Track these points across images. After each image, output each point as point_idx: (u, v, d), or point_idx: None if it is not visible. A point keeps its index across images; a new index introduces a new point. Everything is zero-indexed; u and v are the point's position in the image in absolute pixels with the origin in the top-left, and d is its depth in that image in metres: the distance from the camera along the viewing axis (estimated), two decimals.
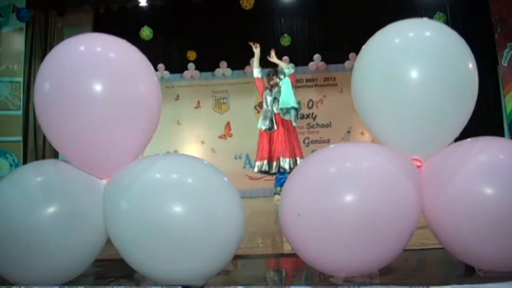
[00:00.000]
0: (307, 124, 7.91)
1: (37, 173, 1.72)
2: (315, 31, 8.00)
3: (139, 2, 7.04)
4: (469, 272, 1.66)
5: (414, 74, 1.66)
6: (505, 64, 6.55)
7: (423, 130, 1.69)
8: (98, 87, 1.65)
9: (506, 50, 6.52)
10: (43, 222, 1.62)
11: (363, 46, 1.81)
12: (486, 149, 1.63)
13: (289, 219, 1.66)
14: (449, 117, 1.69)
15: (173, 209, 1.60)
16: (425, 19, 1.79)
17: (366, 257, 1.59)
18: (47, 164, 1.78)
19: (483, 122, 5.83)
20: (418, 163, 1.71)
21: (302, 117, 7.79)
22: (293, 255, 2.15)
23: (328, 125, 7.92)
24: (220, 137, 8.09)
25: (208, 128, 8.08)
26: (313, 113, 7.96)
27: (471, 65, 1.68)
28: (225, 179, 1.73)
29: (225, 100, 8.24)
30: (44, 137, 6.57)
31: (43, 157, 6.53)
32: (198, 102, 8.21)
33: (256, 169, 5.93)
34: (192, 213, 1.61)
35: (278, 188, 5.78)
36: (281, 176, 5.81)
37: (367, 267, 1.63)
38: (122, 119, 1.70)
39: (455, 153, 1.67)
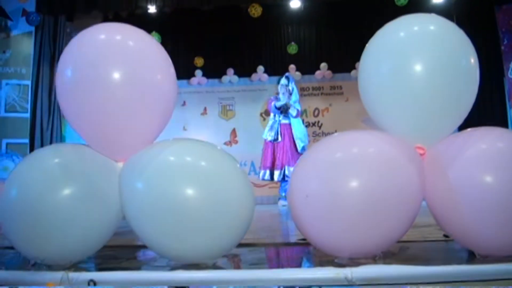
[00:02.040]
0: (313, 133, 7.97)
1: (56, 155, 1.80)
2: (321, 40, 8.09)
3: (148, 9, 7.15)
4: (470, 257, 1.71)
5: (418, 66, 1.75)
6: (511, 76, 6.61)
7: (426, 119, 1.77)
8: (117, 74, 1.74)
9: None
10: (63, 201, 1.69)
11: (370, 39, 1.89)
12: (485, 137, 1.70)
13: (297, 201, 1.74)
14: (451, 108, 1.77)
15: (187, 191, 1.68)
16: (430, 14, 1.86)
17: (370, 238, 1.66)
18: (66, 147, 1.86)
19: None
20: (421, 151, 1.78)
21: (308, 125, 7.88)
22: (296, 244, 2.23)
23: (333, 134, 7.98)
24: (225, 143, 8.14)
25: (214, 135, 8.12)
26: (319, 121, 8.03)
27: (473, 59, 1.77)
28: (237, 164, 1.80)
29: (231, 107, 8.31)
30: (51, 140, 6.66)
31: None
32: (205, 109, 8.29)
33: (260, 177, 6.13)
34: (205, 194, 1.68)
35: (283, 194, 5.90)
36: (285, 183, 5.92)
37: (370, 248, 1.69)
38: (139, 106, 1.78)
39: (456, 142, 1.74)
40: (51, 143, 6.57)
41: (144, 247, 2.05)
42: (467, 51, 1.76)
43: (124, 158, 1.82)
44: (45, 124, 6.65)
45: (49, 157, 1.79)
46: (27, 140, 6.47)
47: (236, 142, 8.19)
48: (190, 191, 1.68)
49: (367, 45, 1.90)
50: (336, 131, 7.80)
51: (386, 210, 1.63)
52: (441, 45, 1.74)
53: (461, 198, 1.64)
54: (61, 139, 6.80)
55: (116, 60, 1.76)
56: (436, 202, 1.73)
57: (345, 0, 7.13)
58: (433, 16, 1.85)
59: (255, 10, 7.16)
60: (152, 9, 7.12)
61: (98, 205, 1.75)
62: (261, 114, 8.08)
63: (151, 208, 1.69)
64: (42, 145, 6.64)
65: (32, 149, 6.56)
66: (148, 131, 1.86)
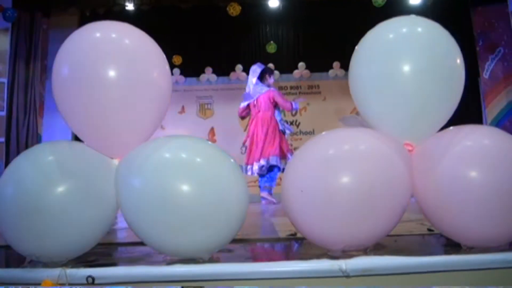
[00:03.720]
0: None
1: (52, 152, 1.80)
2: (300, 39, 8.17)
3: (126, 6, 7.11)
4: (456, 248, 1.80)
5: (407, 67, 1.82)
6: (487, 77, 6.81)
7: (414, 117, 1.85)
8: (113, 71, 1.76)
9: (488, 63, 6.79)
10: (59, 198, 1.70)
11: (360, 40, 1.96)
12: (471, 135, 1.79)
13: (291, 196, 1.79)
14: (438, 107, 1.86)
15: (183, 187, 1.71)
16: (418, 17, 1.94)
17: (362, 231, 1.72)
18: (63, 144, 1.87)
19: None
20: (410, 148, 1.85)
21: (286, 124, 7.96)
22: (289, 239, 2.29)
23: (311, 132, 8.06)
24: None
25: (192, 133, 8.03)
26: (296, 121, 8.11)
27: (459, 60, 1.86)
28: (231, 160, 1.84)
29: (209, 105, 8.32)
30: (26, 138, 6.56)
31: None
32: (183, 107, 8.27)
33: (249, 173, 5.86)
34: (201, 190, 1.72)
35: (267, 185, 5.79)
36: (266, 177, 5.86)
37: (362, 241, 1.76)
38: (136, 103, 1.81)
39: (443, 139, 1.82)
40: (27, 141, 6.47)
41: (136, 243, 2.08)
42: (453, 52, 1.85)
43: (120, 155, 1.84)
44: (21, 122, 6.55)
45: (44, 154, 1.80)
46: (2, 139, 6.36)
47: (215, 140, 8.19)
48: (186, 187, 1.71)
49: (357, 46, 1.97)
50: (313, 130, 8.00)
51: (378, 204, 1.70)
52: (428, 46, 1.82)
53: (448, 193, 1.71)
54: (37, 137, 6.70)
55: (112, 57, 1.78)
56: (424, 197, 1.81)
57: (323, 0, 7.23)
58: (420, 19, 1.92)
59: (234, 9, 7.19)
60: (130, 6, 7.09)
61: (94, 201, 1.76)
62: None
63: (147, 204, 1.72)
64: (18, 144, 6.53)
65: (8, 148, 6.46)
66: (144, 128, 1.89)
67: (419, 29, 1.86)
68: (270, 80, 6.08)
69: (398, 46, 1.86)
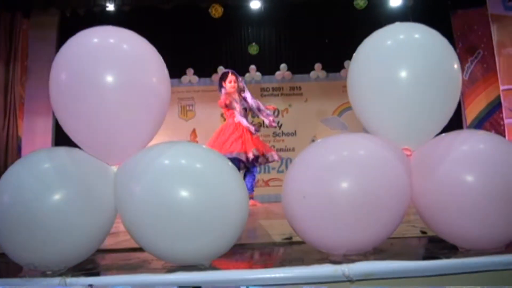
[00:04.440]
0: (273, 133, 8.08)
1: (49, 158, 1.77)
2: (281, 41, 8.22)
3: (107, 6, 7.05)
4: (452, 250, 1.83)
5: (404, 73, 1.85)
6: (466, 78, 6.97)
7: (412, 123, 1.88)
8: (112, 77, 1.73)
9: (467, 65, 6.95)
10: (57, 205, 1.67)
11: (358, 47, 1.98)
12: (468, 140, 1.82)
13: (293, 202, 1.80)
14: (435, 112, 1.89)
15: (183, 193, 1.70)
16: (415, 23, 1.97)
17: (364, 235, 1.74)
18: (60, 150, 1.84)
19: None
20: (408, 152, 1.88)
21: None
22: (285, 244, 2.30)
23: (293, 134, 8.12)
24: None
25: (173, 135, 8.02)
26: (279, 122, 8.14)
27: (456, 65, 1.89)
28: (231, 165, 1.84)
29: (191, 107, 8.30)
30: (7, 141, 6.43)
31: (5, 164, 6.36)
32: None
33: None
34: (201, 196, 1.71)
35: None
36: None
37: (363, 245, 1.78)
38: (135, 109, 1.79)
39: (440, 144, 1.85)
40: (7, 144, 6.35)
41: (135, 249, 2.06)
42: (450, 58, 1.88)
43: (119, 161, 1.82)
44: (0, 125, 6.42)
45: (42, 160, 1.76)
46: None
47: (196, 142, 8.17)
48: (186, 194, 1.70)
49: (355, 53, 1.99)
50: (295, 131, 8.04)
51: (379, 208, 1.72)
52: (426, 52, 1.85)
53: (446, 197, 1.74)
54: (18, 140, 6.58)
55: (111, 63, 1.76)
56: (422, 201, 1.84)
57: (305, 2, 7.28)
58: (418, 25, 1.95)
59: (216, 11, 7.20)
60: (110, 7, 7.04)
61: (93, 208, 1.74)
62: (221, 115, 8.09)
63: (147, 210, 1.70)
64: None
65: None
66: (143, 134, 1.87)
67: (417, 36, 1.89)
68: (241, 84, 5.99)
69: (396, 52, 1.88)
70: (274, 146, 8.03)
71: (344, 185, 1.72)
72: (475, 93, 6.90)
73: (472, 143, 1.81)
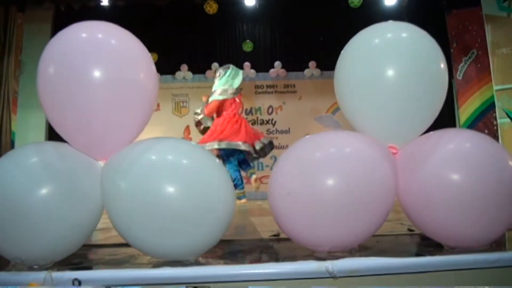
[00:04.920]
0: (267, 130, 8.06)
1: (36, 153, 1.77)
2: (276, 38, 8.20)
3: (101, 1, 7.01)
4: (438, 248, 1.84)
5: (391, 71, 1.85)
6: (460, 78, 6.99)
7: (398, 121, 1.89)
8: (99, 73, 1.74)
9: (461, 64, 6.97)
10: (43, 200, 1.67)
11: (346, 45, 1.98)
12: (454, 138, 1.84)
13: (278, 198, 1.81)
14: (421, 110, 1.90)
15: (169, 189, 1.71)
16: (403, 22, 1.98)
17: (348, 232, 1.76)
18: (47, 145, 1.84)
19: None
20: (394, 150, 1.89)
21: (262, 122, 8.01)
22: (272, 240, 2.31)
23: (287, 131, 8.11)
24: None
25: (167, 131, 8.01)
26: (272, 119, 8.14)
27: (442, 64, 1.90)
28: (217, 161, 1.85)
29: (185, 103, 8.27)
30: (0, 135, 6.41)
31: None
32: (158, 105, 8.17)
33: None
34: (187, 192, 1.72)
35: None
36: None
37: (348, 242, 1.79)
38: (122, 105, 1.80)
39: (426, 142, 1.86)
40: (0, 138, 6.33)
41: (121, 245, 2.06)
42: (437, 57, 1.89)
43: (106, 157, 1.83)
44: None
45: (29, 155, 1.76)
46: None
47: (190, 139, 8.13)
48: (172, 189, 1.71)
49: (342, 51, 2.00)
50: (289, 129, 8.04)
51: (363, 206, 1.73)
52: (413, 51, 1.86)
53: (431, 195, 1.76)
54: (11, 134, 6.55)
55: (98, 58, 1.76)
56: (408, 199, 1.85)
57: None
58: (405, 24, 1.96)
59: (211, 7, 7.18)
60: (105, 1, 6.99)
61: (79, 203, 1.74)
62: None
63: (133, 206, 1.71)
64: None
65: None
66: (130, 130, 1.88)
67: (404, 34, 1.90)
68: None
69: (383, 50, 1.89)
70: None
71: (329, 182, 1.73)
72: (469, 93, 6.92)
73: (458, 142, 1.82)
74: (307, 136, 1.95)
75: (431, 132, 1.93)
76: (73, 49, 1.76)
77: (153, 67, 1.91)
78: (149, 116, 1.94)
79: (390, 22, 1.98)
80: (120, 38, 1.84)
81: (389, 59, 1.87)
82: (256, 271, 1.67)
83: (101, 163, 1.83)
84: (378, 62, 1.88)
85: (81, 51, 1.75)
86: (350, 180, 1.73)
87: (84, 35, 1.80)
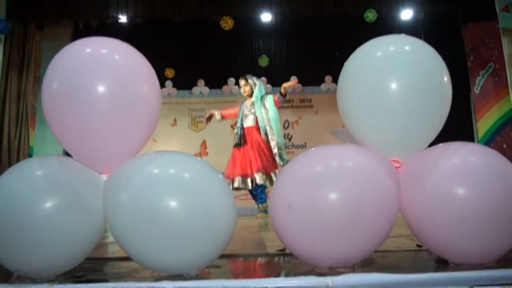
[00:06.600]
0: None
1: (40, 167, 1.80)
2: (292, 53, 8.24)
3: (119, 18, 7.12)
4: (443, 265, 1.80)
5: (394, 85, 1.84)
6: (478, 91, 6.91)
7: (402, 134, 1.86)
8: (103, 87, 1.76)
9: (479, 78, 6.89)
10: (47, 213, 1.69)
11: (348, 58, 1.98)
12: (458, 152, 1.80)
13: (280, 212, 1.79)
14: (425, 124, 1.87)
15: (171, 202, 1.70)
16: (405, 35, 1.97)
17: (349, 247, 1.73)
18: (51, 159, 1.86)
19: None
20: (397, 164, 1.87)
21: None
22: (277, 255, 2.29)
23: (303, 146, 8.09)
24: (195, 155, 8.08)
25: (183, 146, 8.09)
26: (289, 134, 8.14)
27: (446, 78, 1.87)
28: (220, 176, 1.85)
29: (201, 118, 8.32)
30: (18, 151, 6.51)
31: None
32: (175, 120, 8.27)
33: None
34: (189, 206, 1.71)
35: (260, 205, 5.60)
36: (255, 193, 5.64)
37: (350, 257, 1.76)
38: (125, 119, 1.81)
39: (430, 156, 1.83)
40: (18, 153, 6.44)
41: (124, 258, 2.06)
42: (441, 70, 1.87)
43: (109, 170, 1.84)
44: (12, 133, 6.52)
45: (33, 168, 1.79)
46: None
47: (206, 153, 8.19)
48: (174, 203, 1.71)
49: (345, 63, 1.99)
50: (305, 144, 8.02)
51: (365, 221, 1.70)
52: (416, 64, 1.84)
53: (435, 210, 1.72)
54: (29, 149, 6.66)
55: (102, 73, 1.79)
56: (411, 213, 1.82)
57: (315, 15, 7.28)
58: (408, 37, 1.95)
59: (226, 23, 7.23)
60: (123, 18, 7.09)
61: (82, 217, 1.76)
62: (231, 126, 8.10)
63: (135, 219, 1.71)
64: (9, 156, 6.49)
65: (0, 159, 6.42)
66: (133, 143, 1.89)
67: (407, 48, 1.89)
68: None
69: (386, 63, 1.87)
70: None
71: (330, 196, 1.71)
72: (486, 107, 6.82)
73: (461, 155, 1.79)
74: (309, 150, 1.94)
75: (435, 146, 1.90)
76: (77, 64, 1.79)
77: (156, 82, 1.93)
78: (153, 129, 1.95)
79: (393, 35, 1.97)
80: (124, 54, 1.87)
81: (392, 72, 1.85)
82: (257, 285, 1.65)
83: (104, 177, 1.85)
84: (381, 75, 1.86)
85: (85, 66, 1.78)
86: (352, 194, 1.71)
87: (88, 50, 1.83)
